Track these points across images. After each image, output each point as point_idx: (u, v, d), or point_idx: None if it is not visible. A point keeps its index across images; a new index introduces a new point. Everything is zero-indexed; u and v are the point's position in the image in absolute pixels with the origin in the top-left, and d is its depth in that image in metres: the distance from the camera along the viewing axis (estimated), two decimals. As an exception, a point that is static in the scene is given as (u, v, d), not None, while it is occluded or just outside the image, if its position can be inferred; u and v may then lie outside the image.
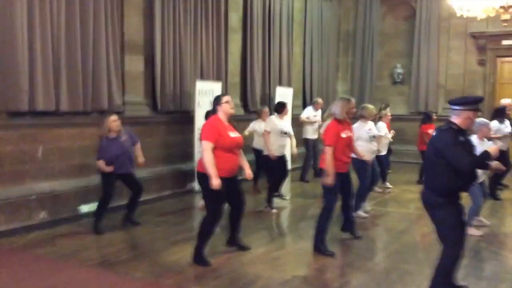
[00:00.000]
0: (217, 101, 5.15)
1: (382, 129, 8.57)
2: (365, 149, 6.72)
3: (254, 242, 5.71)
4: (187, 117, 8.93)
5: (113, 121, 6.19)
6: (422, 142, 9.86)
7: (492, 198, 8.23)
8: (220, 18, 9.96)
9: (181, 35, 8.98)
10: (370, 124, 7.18)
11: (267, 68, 11.58)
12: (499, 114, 8.34)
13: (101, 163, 6.07)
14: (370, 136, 6.99)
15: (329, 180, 5.25)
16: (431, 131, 9.47)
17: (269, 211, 7.49)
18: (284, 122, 7.88)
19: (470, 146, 3.97)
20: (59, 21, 6.85)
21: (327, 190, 5.42)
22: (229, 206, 5.30)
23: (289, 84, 12.33)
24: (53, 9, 6.76)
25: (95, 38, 7.39)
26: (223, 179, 4.79)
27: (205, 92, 8.97)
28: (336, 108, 5.58)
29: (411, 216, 7.46)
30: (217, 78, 9.95)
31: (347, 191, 5.76)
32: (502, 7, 8.90)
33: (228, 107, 5.06)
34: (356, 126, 6.85)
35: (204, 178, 4.87)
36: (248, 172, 5.30)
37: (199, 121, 8.75)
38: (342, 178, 5.53)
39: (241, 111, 10.78)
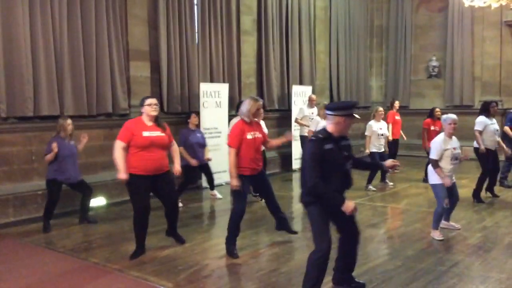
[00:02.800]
0: (141, 103, 5.44)
1: (368, 128, 8.81)
2: None
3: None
4: (195, 118, 9.44)
5: (69, 124, 6.64)
6: (424, 139, 9.55)
7: (476, 200, 7.72)
8: (231, 22, 10.40)
9: (188, 41, 9.52)
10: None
11: (285, 67, 11.85)
12: (484, 109, 7.85)
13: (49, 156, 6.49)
14: None
15: (233, 182, 5.16)
16: (433, 128, 9.27)
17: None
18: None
19: (338, 152, 3.90)
20: (62, 32, 7.62)
21: (235, 193, 5.31)
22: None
23: (312, 83, 12.51)
24: (55, 20, 7.55)
25: (98, 47, 8.12)
26: (140, 176, 5.13)
27: (211, 93, 9.45)
28: (243, 107, 5.39)
29: (377, 212, 7.46)
30: (229, 79, 10.39)
31: (266, 191, 5.66)
32: (510, -6, 8.56)
33: (150, 109, 5.29)
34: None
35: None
36: (176, 168, 5.60)
37: (205, 121, 9.27)
38: (254, 180, 5.43)
39: (257, 110, 11.13)
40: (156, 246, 5.63)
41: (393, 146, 10.25)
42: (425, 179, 9.42)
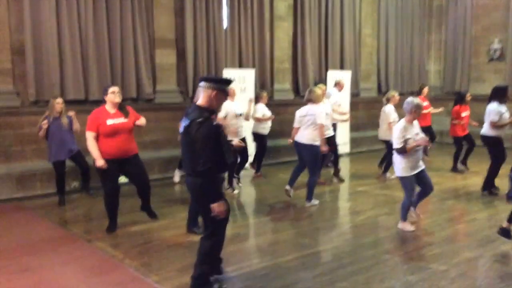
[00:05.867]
0: (104, 92, 5.72)
1: (387, 113, 8.35)
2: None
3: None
4: (220, 102, 9.78)
5: (57, 103, 7.06)
6: (457, 128, 9.03)
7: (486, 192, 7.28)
8: (263, 8, 10.55)
9: (216, 27, 9.85)
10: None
11: (323, 52, 11.77)
12: (499, 94, 7.11)
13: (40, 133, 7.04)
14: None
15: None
16: (465, 114, 8.75)
17: (231, 192, 7.63)
18: (236, 105, 7.75)
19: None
20: (87, 21, 8.33)
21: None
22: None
23: (355, 68, 12.30)
24: (81, 9, 8.27)
25: (123, 35, 8.75)
26: (109, 161, 5.49)
27: (235, 79, 9.69)
28: None
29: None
30: (260, 65, 10.60)
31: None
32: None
33: (113, 97, 5.61)
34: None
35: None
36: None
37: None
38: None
39: (291, 96, 11.24)
40: (134, 221, 6.06)
41: (425, 133, 9.91)
42: (455, 168, 9.08)
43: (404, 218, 5.66)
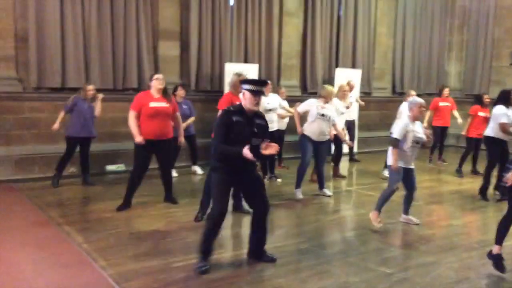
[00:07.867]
0: (150, 78, 6.33)
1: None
2: (312, 128, 6.83)
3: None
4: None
5: (89, 89, 7.55)
6: (470, 127, 8.83)
7: (481, 197, 7.14)
8: (271, 4, 10.53)
9: (221, 21, 9.91)
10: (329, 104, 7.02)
11: (334, 50, 11.65)
12: (505, 96, 7.04)
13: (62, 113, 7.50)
14: (319, 114, 6.84)
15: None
16: (482, 114, 8.53)
17: (274, 180, 8.28)
18: (269, 99, 8.07)
19: (246, 126, 4.17)
20: (90, 11, 8.53)
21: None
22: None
23: (368, 67, 12.13)
24: (85, 1, 8.47)
25: (127, 26, 8.92)
26: (147, 140, 5.99)
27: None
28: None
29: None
30: (267, 60, 10.61)
31: None
32: None
33: (157, 83, 6.15)
34: (309, 103, 7.04)
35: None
36: (179, 140, 6.63)
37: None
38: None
39: (297, 92, 11.17)
40: (111, 208, 6.19)
41: (439, 134, 10.03)
42: (458, 170, 8.89)
43: (379, 208, 5.63)
